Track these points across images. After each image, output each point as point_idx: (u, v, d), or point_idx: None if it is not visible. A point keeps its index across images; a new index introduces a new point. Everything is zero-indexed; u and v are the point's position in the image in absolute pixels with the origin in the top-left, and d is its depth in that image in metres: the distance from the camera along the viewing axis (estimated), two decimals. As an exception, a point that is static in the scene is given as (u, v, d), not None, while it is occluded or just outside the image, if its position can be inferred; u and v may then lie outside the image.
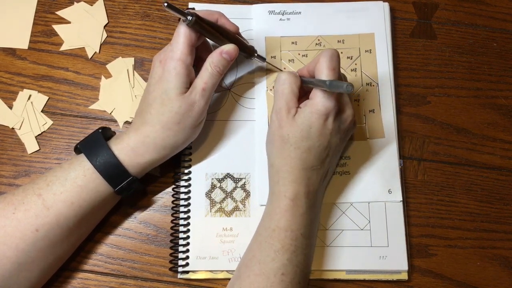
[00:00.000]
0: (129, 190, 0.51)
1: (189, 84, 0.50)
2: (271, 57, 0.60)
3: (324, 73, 0.48)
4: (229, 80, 0.59)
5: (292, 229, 0.48)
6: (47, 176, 0.49)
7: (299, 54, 0.60)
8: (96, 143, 0.50)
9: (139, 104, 0.53)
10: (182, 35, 0.49)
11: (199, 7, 0.61)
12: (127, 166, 0.50)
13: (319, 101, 0.48)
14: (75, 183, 0.48)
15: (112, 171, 0.49)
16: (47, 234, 0.47)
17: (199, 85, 0.50)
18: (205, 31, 0.50)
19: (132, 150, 0.50)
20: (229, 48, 0.51)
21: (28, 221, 0.47)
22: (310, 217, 0.50)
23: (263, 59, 0.57)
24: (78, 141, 0.51)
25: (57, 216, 0.48)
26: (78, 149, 0.51)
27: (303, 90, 0.52)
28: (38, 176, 0.53)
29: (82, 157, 0.50)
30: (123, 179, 0.50)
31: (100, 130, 0.52)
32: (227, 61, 0.51)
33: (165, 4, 0.46)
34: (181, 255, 0.54)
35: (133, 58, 0.61)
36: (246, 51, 0.55)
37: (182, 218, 0.55)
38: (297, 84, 0.51)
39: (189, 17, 0.48)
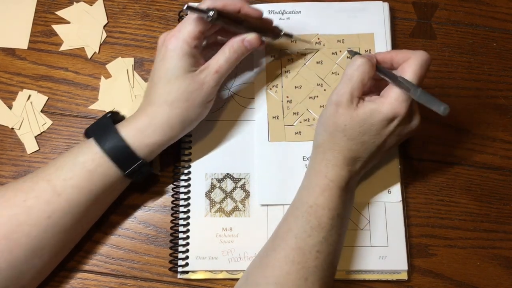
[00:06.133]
0: (139, 173, 0.50)
1: (195, 65, 0.50)
2: (271, 56, 0.60)
3: (409, 78, 0.47)
4: (229, 80, 0.59)
5: (330, 208, 0.48)
6: (56, 161, 0.49)
7: (297, 53, 0.60)
8: (105, 127, 0.50)
9: (147, 85, 0.52)
10: (193, 18, 0.49)
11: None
12: (135, 149, 0.49)
13: (389, 104, 0.47)
14: (84, 168, 0.48)
15: (121, 154, 0.49)
16: (58, 220, 0.47)
17: (213, 67, 0.50)
18: (227, 24, 0.50)
19: (140, 132, 0.49)
20: (251, 37, 0.51)
21: (40, 208, 0.47)
22: (347, 200, 0.49)
23: (290, 36, 0.57)
24: (88, 126, 0.51)
25: (68, 202, 0.47)
26: (87, 134, 0.51)
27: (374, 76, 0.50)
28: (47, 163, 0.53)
29: (91, 141, 0.49)
30: (132, 162, 0.49)
31: (108, 115, 0.52)
32: (247, 49, 0.51)
33: (186, 6, 0.45)
34: (180, 255, 0.54)
35: (132, 58, 0.61)
36: (271, 33, 0.55)
37: (181, 218, 0.55)
38: (370, 74, 0.49)
39: (211, 13, 0.47)
